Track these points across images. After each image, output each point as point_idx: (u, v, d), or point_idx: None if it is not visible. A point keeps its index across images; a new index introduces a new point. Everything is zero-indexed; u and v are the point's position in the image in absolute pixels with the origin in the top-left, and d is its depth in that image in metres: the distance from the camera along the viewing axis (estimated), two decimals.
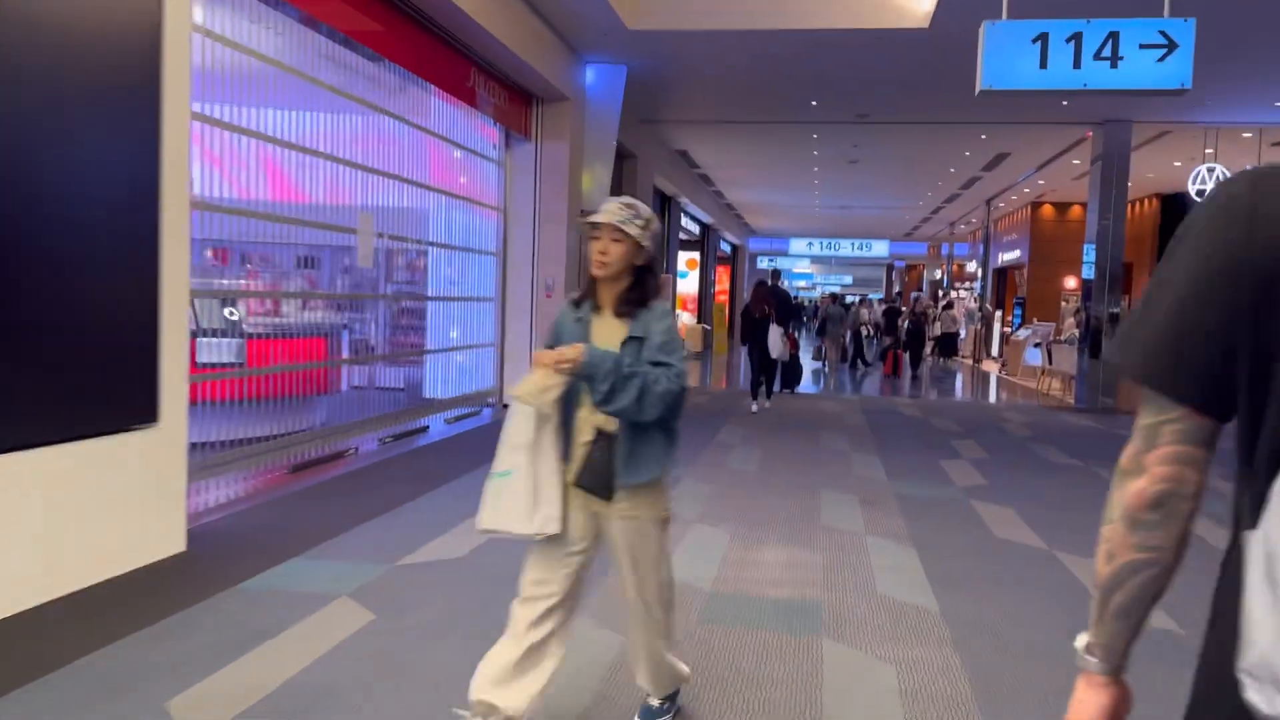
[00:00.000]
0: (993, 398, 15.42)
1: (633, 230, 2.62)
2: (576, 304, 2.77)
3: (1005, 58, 6.37)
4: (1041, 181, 19.93)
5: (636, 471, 2.62)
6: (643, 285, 2.68)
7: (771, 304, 11.75)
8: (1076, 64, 6.26)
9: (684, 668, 3.03)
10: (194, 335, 7.19)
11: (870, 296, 59.25)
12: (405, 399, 9.93)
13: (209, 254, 9.26)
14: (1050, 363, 16.26)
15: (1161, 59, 6.16)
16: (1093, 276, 13.63)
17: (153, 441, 4.55)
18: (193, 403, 7.21)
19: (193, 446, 5.96)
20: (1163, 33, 6.11)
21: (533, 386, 2.55)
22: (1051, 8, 6.76)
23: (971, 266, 32.33)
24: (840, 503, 6.41)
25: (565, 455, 2.67)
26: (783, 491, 6.74)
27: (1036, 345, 17.64)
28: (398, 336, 10.85)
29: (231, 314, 7.60)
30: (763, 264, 40.11)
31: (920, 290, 40.17)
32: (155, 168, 4.44)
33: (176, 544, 4.72)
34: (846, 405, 12.78)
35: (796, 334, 14.03)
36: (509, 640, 2.65)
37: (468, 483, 6.53)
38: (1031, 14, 6.52)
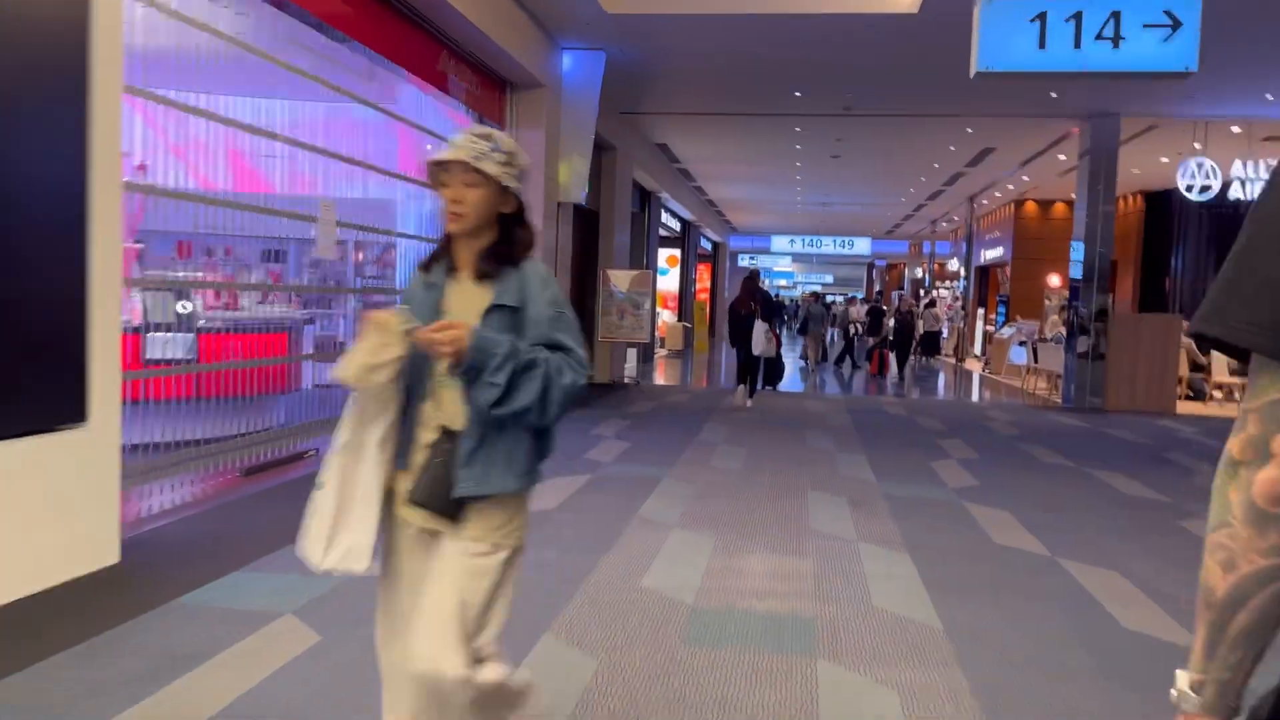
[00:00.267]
0: (978, 397, 15.17)
1: (492, 168, 2.02)
2: (426, 267, 2.18)
3: (1002, 38, 6.06)
4: (1026, 178, 19.73)
5: (488, 479, 2.01)
6: (511, 239, 2.11)
7: (757, 300, 11.77)
8: (1076, 44, 5.95)
9: (518, 679, 2.22)
10: (142, 330, 6.79)
11: (853, 295, 59.28)
12: None
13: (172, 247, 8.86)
14: (1035, 361, 16.03)
15: (1166, 40, 5.86)
16: (1080, 275, 13.38)
17: (82, 443, 4.14)
18: (139, 401, 6.81)
19: (136, 448, 5.56)
20: (1167, 12, 5.81)
21: (357, 362, 1.94)
22: None
23: (953, 265, 32.17)
24: (829, 505, 6.07)
25: (402, 461, 2.10)
26: (769, 493, 6.40)
27: (1021, 344, 17.42)
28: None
29: (184, 307, 7.18)
30: (743, 261, 39.87)
31: (902, 289, 40.03)
32: (82, 150, 4.03)
33: (109, 555, 4.31)
34: (830, 404, 12.47)
35: (779, 332, 13.77)
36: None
37: None
38: None
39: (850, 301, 22.36)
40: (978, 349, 23.97)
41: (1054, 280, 23.54)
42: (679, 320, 23.99)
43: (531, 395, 1.95)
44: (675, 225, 23.87)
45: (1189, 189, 13.48)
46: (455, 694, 2.01)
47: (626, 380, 14.39)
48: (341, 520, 2.08)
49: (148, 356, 7.08)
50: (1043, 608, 4.19)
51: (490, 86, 9.85)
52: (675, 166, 19.80)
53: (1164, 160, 16.48)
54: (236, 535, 4.88)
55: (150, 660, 3.26)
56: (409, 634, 2.09)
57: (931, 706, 3.10)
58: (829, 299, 29.69)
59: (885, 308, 22.36)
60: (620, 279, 13.04)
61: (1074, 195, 22.21)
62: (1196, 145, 14.73)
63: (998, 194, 22.55)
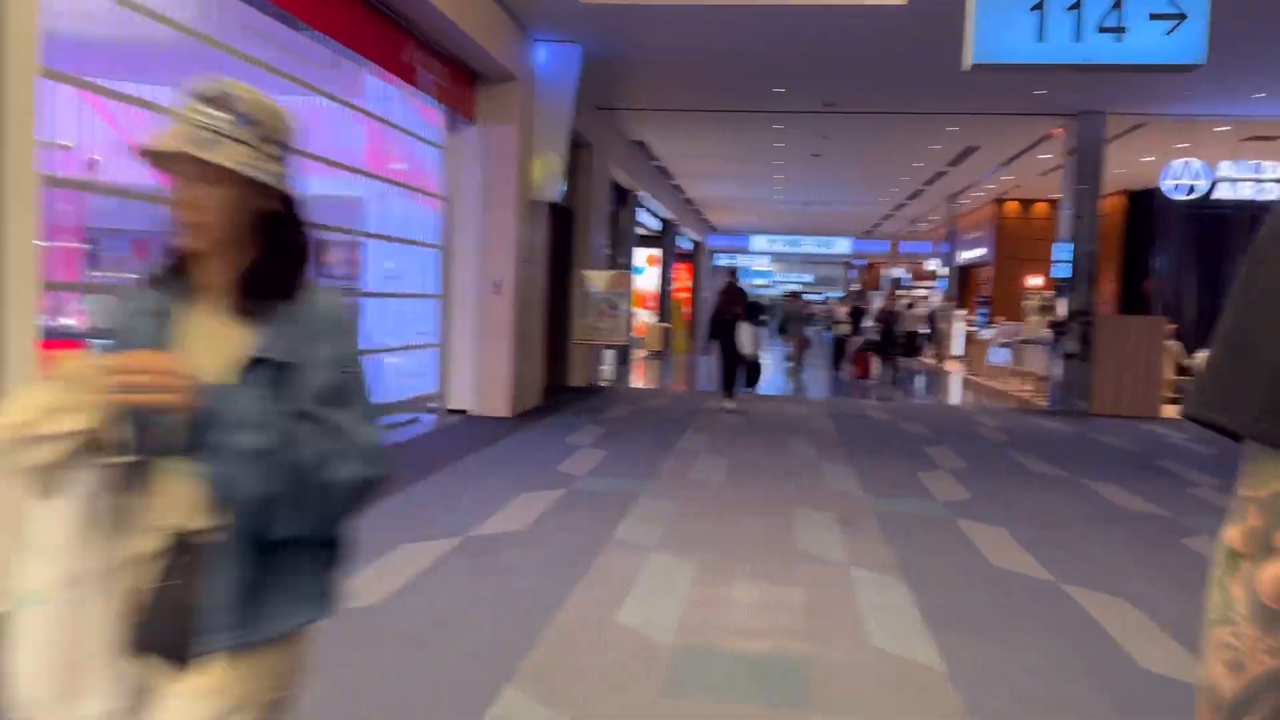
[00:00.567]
0: (961, 400, 14.92)
1: (231, 156, 1.37)
2: (152, 285, 1.49)
3: (998, 28, 5.73)
4: (1007, 177, 19.51)
5: (256, 622, 1.38)
6: (280, 256, 1.47)
7: (741, 302, 11.55)
8: (1077, 36, 5.64)
9: None
10: (80, 337, 6.35)
11: (829, 295, 59.19)
12: None
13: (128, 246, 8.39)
14: (1019, 363, 15.81)
15: (1171, 31, 5.55)
16: (1067, 275, 13.14)
17: None
18: None
19: None
20: (1173, 2, 5.50)
21: (17, 420, 1.26)
22: None
23: (932, 265, 32.01)
24: (816, 523, 5.73)
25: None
26: (753, 509, 6.04)
27: (1004, 345, 17.20)
28: None
29: None
30: (721, 261, 39.57)
31: (879, 288, 39.87)
32: None
33: None
34: (812, 408, 12.16)
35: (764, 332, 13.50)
36: None
37: (396, 505, 5.75)
38: None
39: (841, 301, 22.07)
40: (958, 349, 23.78)
41: (1035, 280, 23.42)
42: (658, 321, 23.65)
43: (281, 495, 1.32)
44: (654, 224, 23.51)
45: (1175, 188, 13.26)
46: None
47: (603, 383, 14.02)
48: (77, 668, 1.32)
49: None
50: (1052, 644, 3.86)
51: (460, 79, 9.44)
52: (653, 164, 19.43)
53: (1148, 159, 16.29)
54: None
55: None
56: None
57: None
58: (807, 297, 29.43)
59: (864, 308, 22.14)
60: (596, 279, 12.66)
61: (1057, 195, 22.14)
62: (1179, 145, 14.57)
63: (979, 193, 22.35)
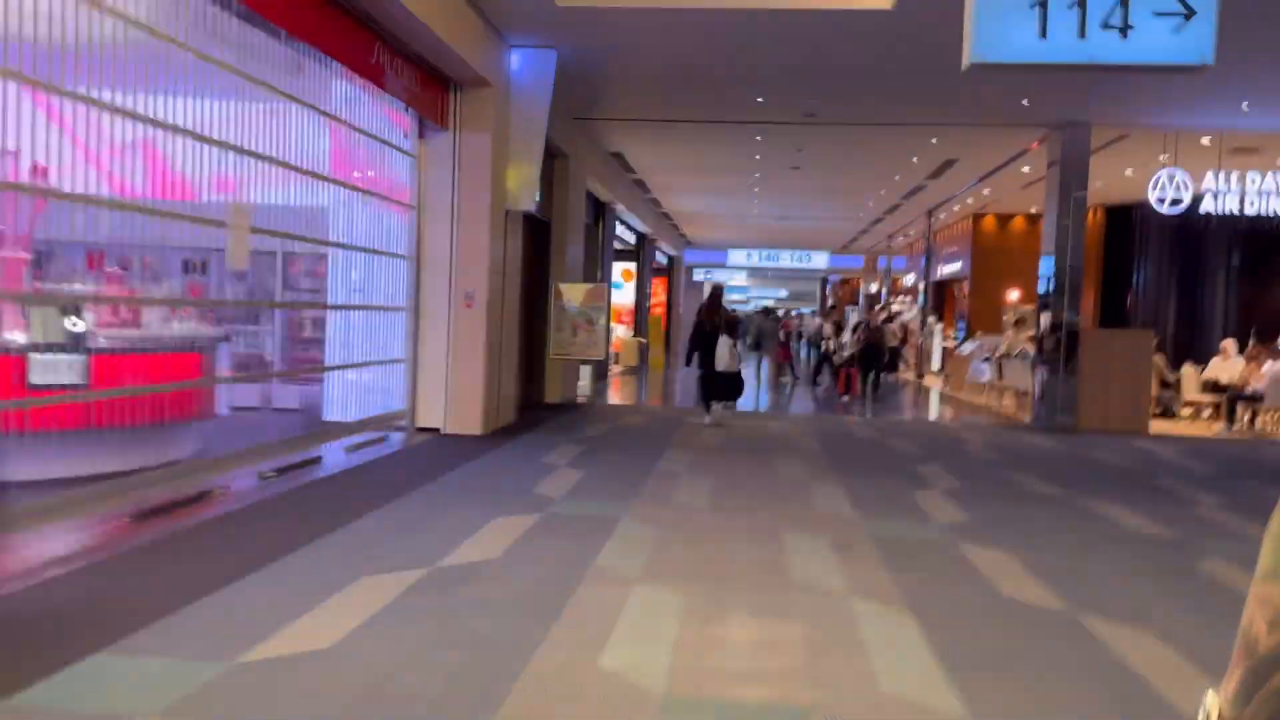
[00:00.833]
0: (946, 416, 14.64)
1: None
2: None
3: (998, 25, 5.43)
4: (986, 191, 19.36)
5: None
6: None
7: (722, 316, 11.54)
8: (1081, 33, 5.35)
9: None
10: (27, 351, 5.91)
11: (803, 310, 59.14)
12: (300, 422, 8.64)
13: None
14: (1001, 378, 15.58)
15: (1179, 29, 5.29)
16: (1049, 289, 12.92)
17: None
18: (23, 433, 5.90)
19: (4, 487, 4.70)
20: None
21: None
22: None
23: (909, 279, 31.91)
24: (810, 549, 5.36)
25: None
26: (741, 534, 5.67)
27: (986, 360, 16.98)
28: (293, 351, 9.56)
29: (74, 324, 6.28)
30: (699, 276, 39.34)
31: (856, 303, 39.76)
32: None
33: None
34: (795, 425, 11.83)
35: (739, 348, 13.17)
36: None
37: (358, 532, 5.32)
38: None
39: (827, 315, 21.82)
40: (936, 364, 23.60)
41: (1013, 295, 23.31)
42: (634, 336, 23.29)
43: None
44: (630, 238, 23.19)
45: (1160, 201, 13.10)
46: None
47: (580, 400, 13.62)
48: None
49: (33, 381, 6.20)
50: (1079, 687, 3.51)
51: (431, 84, 9.06)
52: (630, 177, 19.12)
53: (1128, 173, 16.18)
54: (106, 602, 4.02)
55: None
56: None
57: None
58: (781, 314, 29.20)
59: (842, 323, 21.89)
60: (573, 293, 12.28)
61: (1035, 209, 22.05)
62: (1162, 157, 14.43)
63: (956, 208, 22.22)
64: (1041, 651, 3.87)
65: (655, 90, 11.87)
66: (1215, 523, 6.66)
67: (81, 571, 4.43)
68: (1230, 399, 13.18)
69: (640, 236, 24.04)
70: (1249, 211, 13.30)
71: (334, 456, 7.89)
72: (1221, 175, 13.39)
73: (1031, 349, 14.80)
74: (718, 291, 12.57)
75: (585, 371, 15.41)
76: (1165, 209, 13.13)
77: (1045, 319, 13.03)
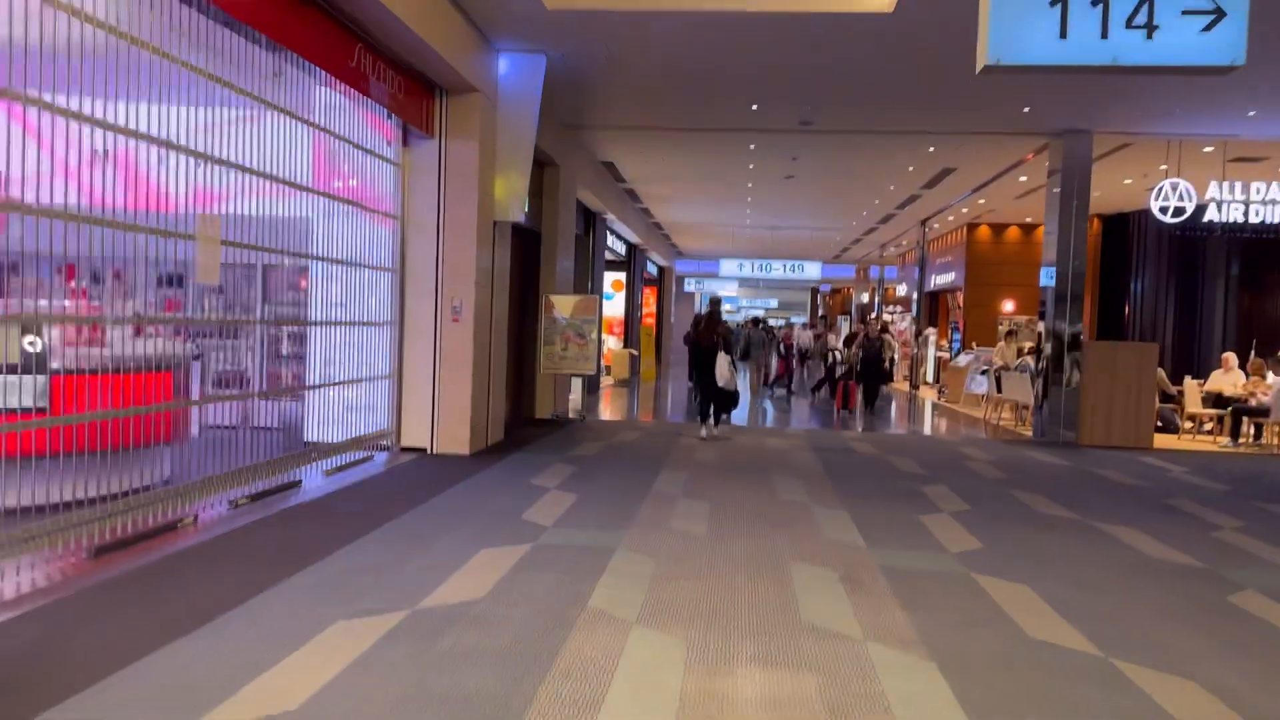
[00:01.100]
0: (945, 431, 14.33)
1: None
2: None
3: (1016, 24, 5.13)
4: (982, 201, 19.13)
5: None
6: None
7: (720, 332, 11.50)
8: (1104, 33, 5.05)
9: None
10: None
11: (793, 320, 58.94)
12: (280, 443, 8.25)
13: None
14: (999, 391, 15.29)
15: (1207, 28, 4.99)
16: (1050, 301, 12.65)
17: None
18: None
19: None
20: None
21: None
22: None
23: (901, 289, 31.69)
24: (818, 584, 5.02)
25: None
26: (743, 566, 5.32)
27: (983, 372, 16.70)
28: (273, 367, 9.16)
29: (32, 344, 5.90)
30: (690, 286, 39.08)
31: (848, 313, 39.51)
32: None
33: None
34: (792, 441, 11.49)
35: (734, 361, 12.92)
36: None
37: (333, 568, 4.95)
38: None
39: (830, 328, 21.54)
40: (929, 376, 23.33)
41: (1008, 305, 23.09)
42: (625, 347, 22.95)
43: None
44: (621, 248, 22.87)
45: (1163, 210, 12.85)
46: None
47: (571, 415, 13.27)
48: None
49: None
50: None
51: (417, 91, 8.72)
52: (621, 186, 18.82)
53: (1127, 182, 15.96)
54: (52, 654, 3.64)
55: None
56: None
57: None
58: (769, 324, 28.90)
59: (833, 333, 21.56)
60: (563, 305, 11.94)
61: (1030, 219, 21.85)
62: (1163, 168, 14.21)
63: (950, 218, 22.00)
64: (1079, 704, 3.53)
65: (647, 97, 11.56)
66: (1240, 549, 6.35)
67: (27, 617, 4.05)
68: (1235, 413, 12.90)
69: (631, 247, 23.73)
70: (1254, 220, 13.03)
71: (313, 480, 7.52)
72: (1225, 185, 13.12)
73: (1031, 361, 14.54)
74: (717, 307, 12.38)
75: (576, 385, 15.06)
76: (1168, 218, 12.87)
77: (1045, 331, 12.75)
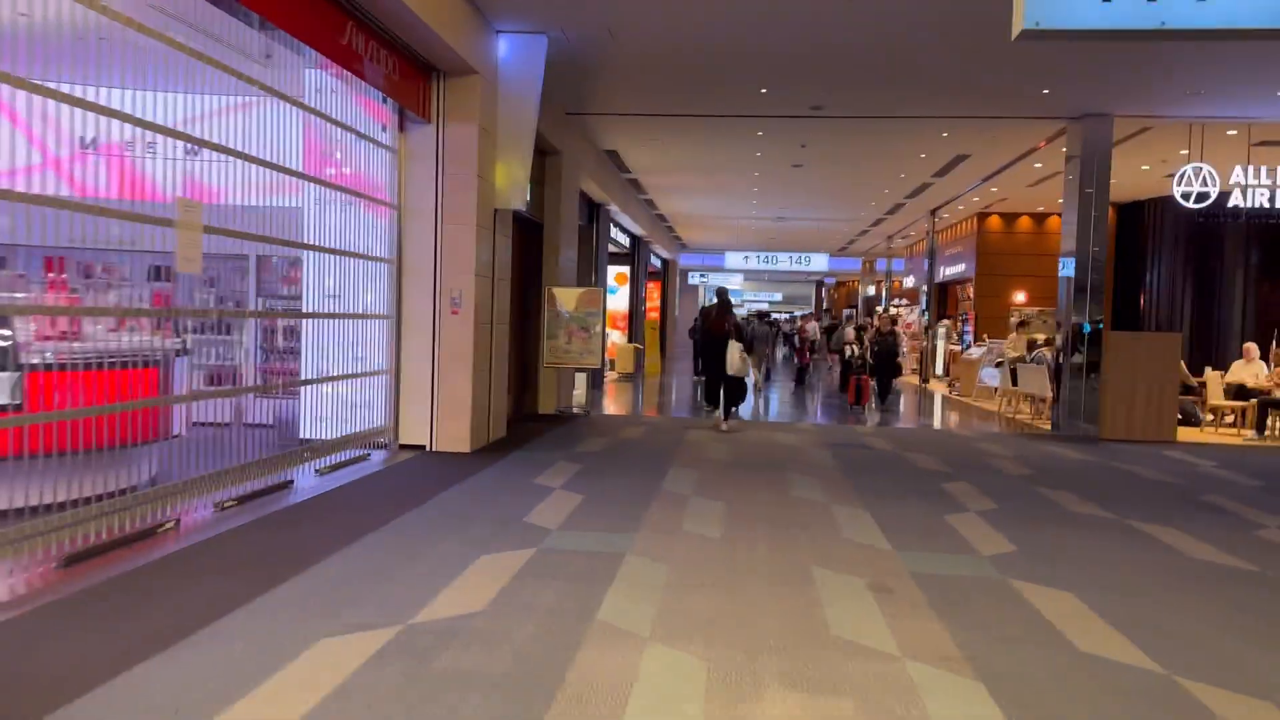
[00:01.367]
0: (961, 425, 13.94)
1: None
2: None
3: None
4: (994, 189, 18.71)
5: None
6: None
7: (731, 322, 11.44)
8: None
9: None
10: None
11: (796, 314, 58.55)
12: (273, 440, 7.88)
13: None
14: (1015, 384, 14.89)
15: None
16: (1070, 290, 12.25)
17: None
18: None
19: None
20: None
21: None
22: None
23: (909, 281, 31.26)
24: (846, 593, 4.64)
25: None
26: (763, 572, 4.95)
27: (998, 364, 16.30)
28: (267, 362, 8.80)
29: (3, 338, 5.54)
30: (694, 279, 38.69)
31: (854, 306, 39.05)
32: None
33: None
34: (804, 436, 11.10)
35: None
36: None
37: (322, 578, 4.58)
38: None
39: (848, 321, 21.20)
40: (939, 369, 22.93)
41: (1019, 296, 22.68)
42: (630, 341, 22.57)
43: None
44: (624, 241, 22.46)
45: (1185, 196, 12.43)
46: None
47: (575, 410, 12.89)
48: None
49: None
50: None
51: (413, 72, 8.34)
52: (625, 177, 18.42)
53: (1145, 168, 15.54)
54: (15, 676, 3.27)
55: None
56: None
57: None
58: (774, 317, 28.55)
59: (849, 326, 21.15)
60: (566, 297, 11.57)
61: (1042, 208, 21.43)
62: (1183, 152, 13.80)
63: (961, 207, 21.58)
64: None
65: (652, 82, 11.16)
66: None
67: None
68: (1262, 405, 12.50)
69: (635, 239, 23.33)
70: None
71: (306, 479, 7.15)
72: (1250, 169, 12.69)
73: (1048, 353, 14.15)
74: (726, 297, 12.11)
75: (580, 380, 14.69)
76: (1190, 204, 12.45)
77: (1064, 322, 12.35)
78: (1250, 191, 12.62)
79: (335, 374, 8.01)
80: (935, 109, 11.97)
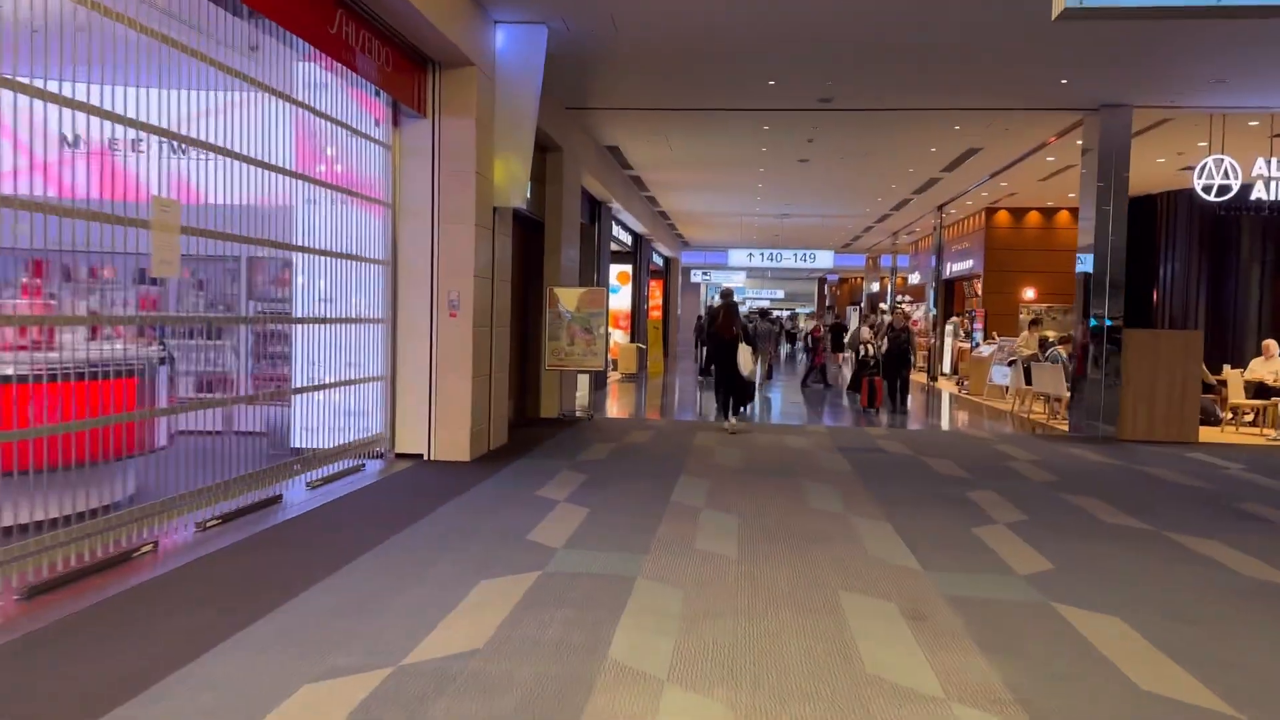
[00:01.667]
0: (975, 426, 13.56)
1: None
2: None
3: None
4: (1004, 184, 18.33)
5: None
6: None
7: (739, 324, 11.31)
8: None
9: None
10: None
11: (798, 311, 58.02)
12: (263, 451, 7.52)
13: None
14: (1028, 383, 14.52)
15: None
16: (1088, 287, 11.87)
17: None
18: None
19: None
20: None
21: None
22: None
23: (914, 278, 30.88)
24: (877, 620, 4.27)
25: None
26: (786, 598, 4.58)
27: (1010, 363, 15.92)
28: (258, 368, 8.43)
29: None
30: (696, 278, 38.31)
31: (857, 304, 38.68)
32: None
33: None
34: (814, 439, 10.73)
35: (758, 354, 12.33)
36: None
37: (306, 610, 4.21)
38: None
39: (865, 319, 20.91)
40: (947, 367, 22.54)
41: (1029, 293, 22.31)
42: (632, 341, 22.19)
43: None
44: (626, 239, 22.08)
45: (1206, 189, 12.05)
46: None
47: (578, 414, 12.53)
48: None
49: None
50: None
51: (407, 64, 7.97)
52: (627, 173, 18.04)
53: (1160, 161, 15.15)
54: None
55: None
56: None
57: None
58: (775, 314, 28.19)
59: (845, 325, 20.74)
60: (568, 298, 11.21)
61: (1051, 202, 21.05)
62: (1201, 145, 13.42)
63: (969, 202, 21.20)
64: None
65: (656, 75, 10.78)
66: None
67: None
68: None
69: (637, 237, 22.95)
70: None
71: (296, 494, 6.78)
72: (1274, 161, 12.30)
73: (1063, 351, 13.77)
74: (731, 298, 11.84)
75: (582, 382, 14.33)
76: (1211, 197, 12.07)
77: (1081, 319, 11.98)
78: (1273, 184, 12.23)
79: (328, 381, 7.64)
80: (948, 100, 11.58)
